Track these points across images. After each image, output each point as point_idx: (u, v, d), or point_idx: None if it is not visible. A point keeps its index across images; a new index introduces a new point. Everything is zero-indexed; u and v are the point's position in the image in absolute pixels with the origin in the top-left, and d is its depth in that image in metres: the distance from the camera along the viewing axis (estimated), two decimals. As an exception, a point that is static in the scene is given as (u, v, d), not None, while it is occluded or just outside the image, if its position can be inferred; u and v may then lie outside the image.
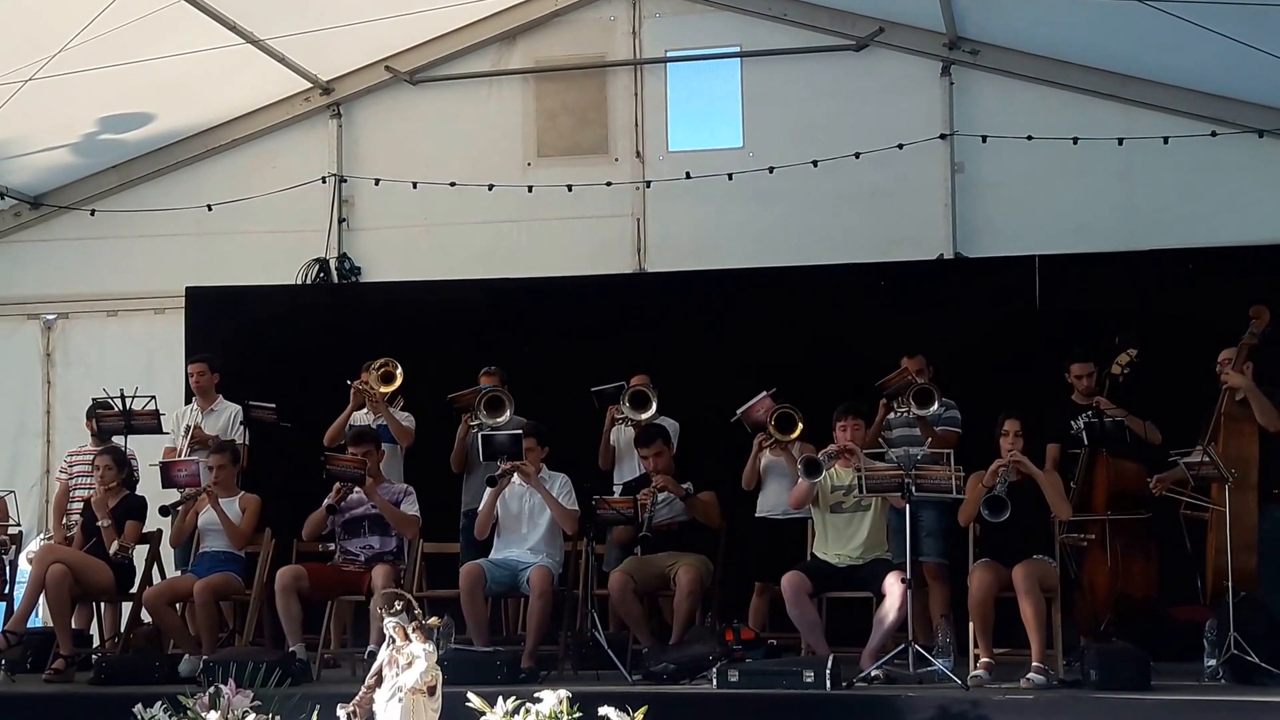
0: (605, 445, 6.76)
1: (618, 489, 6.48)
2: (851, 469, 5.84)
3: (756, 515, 6.43)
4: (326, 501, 6.13)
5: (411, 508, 6.23)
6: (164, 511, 6.33)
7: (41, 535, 8.16)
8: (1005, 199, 7.75)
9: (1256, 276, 6.83)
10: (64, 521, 6.90)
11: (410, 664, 3.66)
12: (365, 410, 6.83)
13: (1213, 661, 5.45)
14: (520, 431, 6.21)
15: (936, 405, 6.26)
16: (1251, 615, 5.43)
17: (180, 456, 6.72)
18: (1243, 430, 5.80)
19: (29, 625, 6.52)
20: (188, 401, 7.60)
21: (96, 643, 6.71)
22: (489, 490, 6.15)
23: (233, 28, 7.41)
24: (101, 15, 6.53)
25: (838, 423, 6.03)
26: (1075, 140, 7.51)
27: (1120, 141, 7.50)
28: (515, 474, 6.12)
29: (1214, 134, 7.47)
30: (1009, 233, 7.66)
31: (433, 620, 3.80)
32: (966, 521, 5.76)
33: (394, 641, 3.71)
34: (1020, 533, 5.57)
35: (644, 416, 6.49)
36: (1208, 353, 6.10)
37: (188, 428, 6.90)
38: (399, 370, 6.81)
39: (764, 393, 6.44)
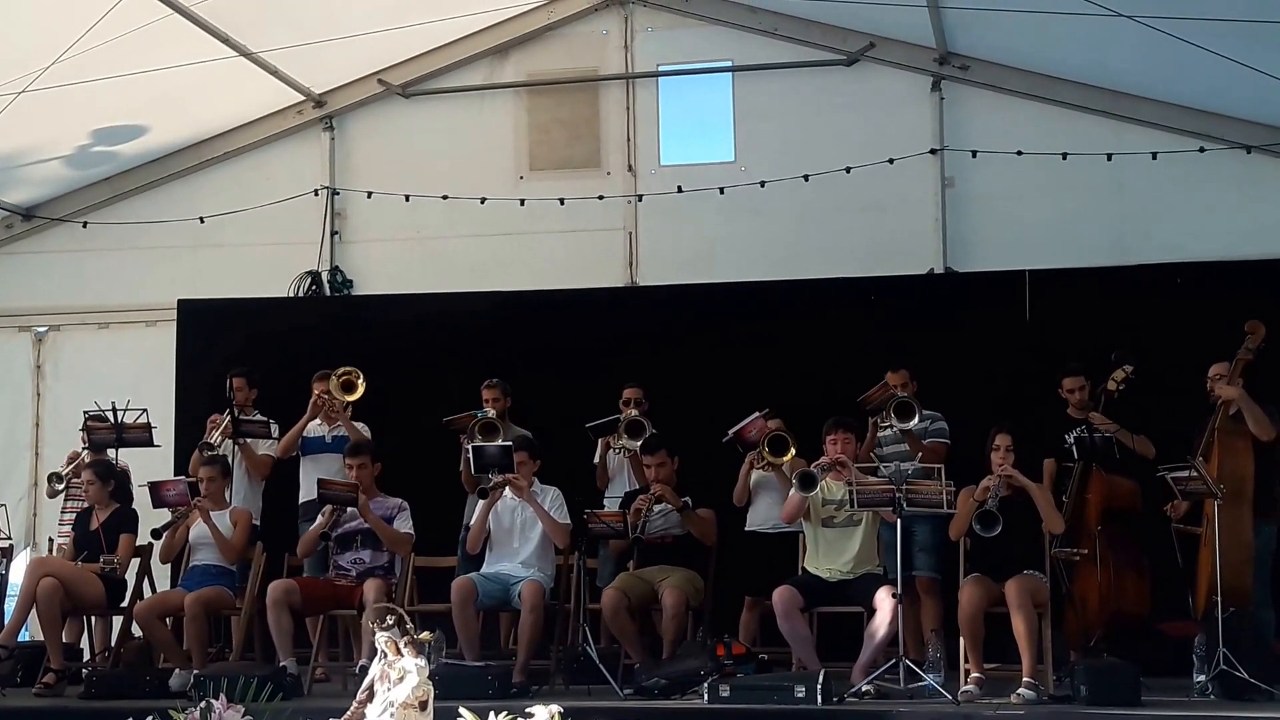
0: (601, 467, 6.76)
1: (608, 504, 6.48)
2: (843, 483, 5.84)
3: (746, 529, 6.42)
4: (320, 528, 6.09)
5: (405, 524, 6.21)
6: (155, 534, 6.30)
7: (30, 548, 8.14)
8: (995, 214, 7.78)
9: (1245, 291, 6.85)
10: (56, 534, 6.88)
11: (402, 679, 3.65)
12: (319, 421, 6.79)
13: (1202, 677, 5.46)
14: (511, 444, 6.20)
15: (917, 419, 6.27)
16: (1240, 631, 5.45)
17: (211, 444, 6.66)
18: (1238, 446, 5.82)
19: (19, 639, 6.49)
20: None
21: (87, 656, 6.68)
22: (480, 503, 6.14)
23: (226, 41, 7.42)
24: (95, 28, 6.53)
25: (828, 436, 6.05)
26: (1065, 155, 7.55)
27: (1109, 157, 7.54)
28: (507, 487, 6.11)
29: (1202, 150, 7.51)
30: (999, 247, 7.68)
31: (425, 635, 3.80)
32: (957, 536, 5.77)
33: (385, 656, 3.70)
34: (1011, 548, 5.58)
35: (639, 445, 6.49)
36: (1197, 367, 6.13)
37: (216, 424, 6.84)
38: (361, 379, 6.76)
39: (756, 413, 6.44)
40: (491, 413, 6.69)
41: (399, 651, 3.67)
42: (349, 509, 6.15)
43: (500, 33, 8.36)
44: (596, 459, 6.79)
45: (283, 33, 7.54)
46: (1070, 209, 7.68)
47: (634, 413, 6.66)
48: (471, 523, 6.22)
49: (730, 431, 6.44)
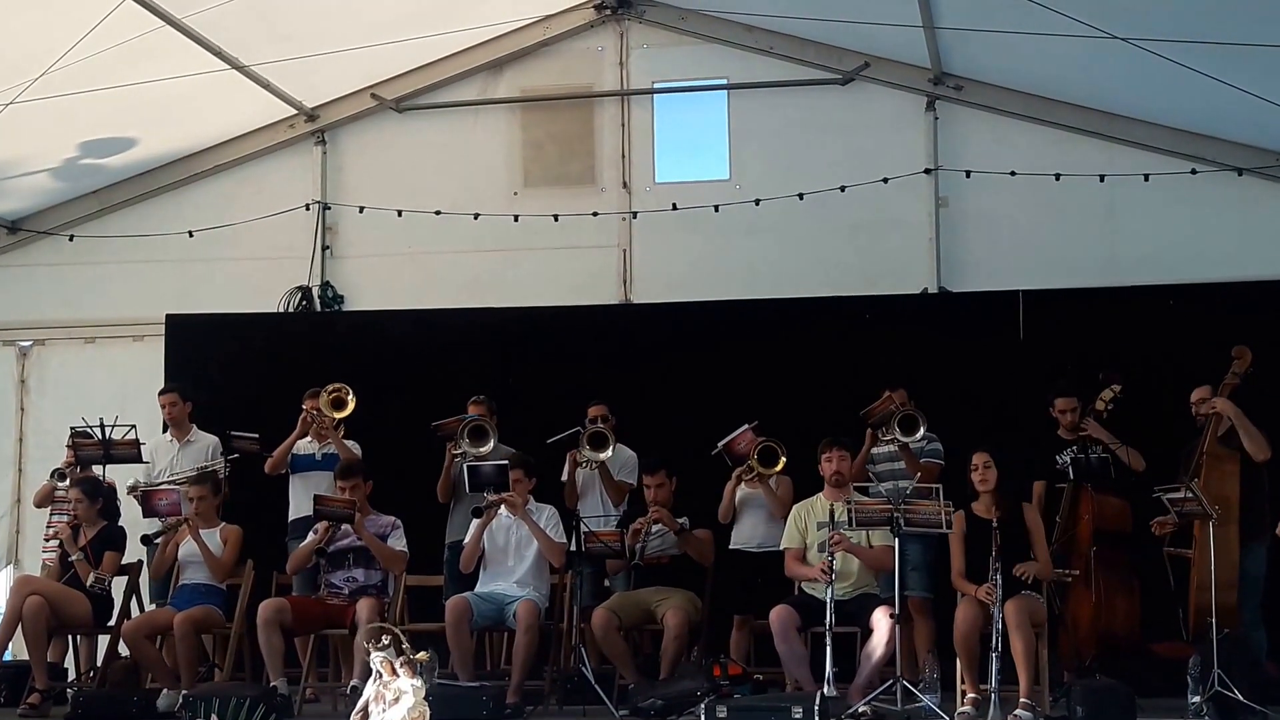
0: (570, 486, 6.68)
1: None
2: (841, 503, 5.83)
3: (731, 548, 6.39)
4: (314, 544, 6.03)
5: (399, 542, 6.15)
6: (145, 541, 6.24)
7: (13, 565, 8.04)
8: (989, 234, 7.81)
9: (1235, 313, 6.91)
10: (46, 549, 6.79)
11: (397, 699, 3.60)
12: (309, 439, 6.74)
13: (1196, 698, 5.45)
14: (507, 463, 6.16)
15: (922, 432, 6.26)
16: (1234, 652, 5.45)
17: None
18: (1225, 469, 5.85)
19: (4, 659, 6.40)
20: (165, 431, 7.53)
21: (73, 676, 6.58)
22: (475, 522, 6.09)
23: (218, 53, 7.38)
24: (85, 39, 6.48)
25: (823, 454, 6.06)
26: (1058, 176, 7.58)
27: (1102, 178, 7.57)
28: (502, 506, 6.06)
29: (1194, 172, 7.55)
30: (993, 267, 7.71)
31: (421, 655, 3.75)
32: (959, 572, 5.71)
33: (381, 676, 3.65)
34: (1007, 568, 5.56)
35: (603, 456, 6.45)
36: (1188, 387, 6.16)
37: (161, 471, 6.78)
38: (350, 396, 6.70)
39: (745, 425, 6.43)
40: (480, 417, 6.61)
41: (394, 672, 3.62)
42: (343, 526, 6.08)
43: (495, 48, 8.35)
44: (564, 476, 6.69)
45: (275, 46, 7.51)
46: (1063, 230, 7.72)
47: (599, 425, 6.56)
48: (466, 540, 6.16)
49: (720, 444, 6.42)
